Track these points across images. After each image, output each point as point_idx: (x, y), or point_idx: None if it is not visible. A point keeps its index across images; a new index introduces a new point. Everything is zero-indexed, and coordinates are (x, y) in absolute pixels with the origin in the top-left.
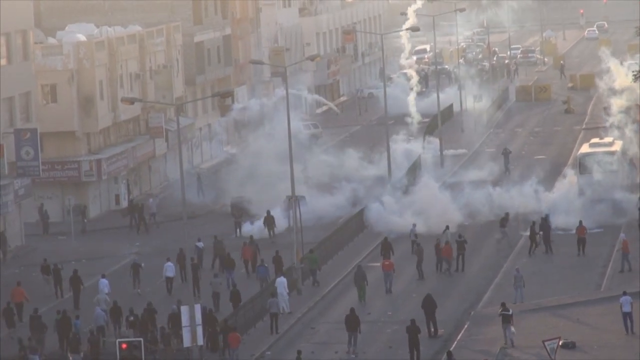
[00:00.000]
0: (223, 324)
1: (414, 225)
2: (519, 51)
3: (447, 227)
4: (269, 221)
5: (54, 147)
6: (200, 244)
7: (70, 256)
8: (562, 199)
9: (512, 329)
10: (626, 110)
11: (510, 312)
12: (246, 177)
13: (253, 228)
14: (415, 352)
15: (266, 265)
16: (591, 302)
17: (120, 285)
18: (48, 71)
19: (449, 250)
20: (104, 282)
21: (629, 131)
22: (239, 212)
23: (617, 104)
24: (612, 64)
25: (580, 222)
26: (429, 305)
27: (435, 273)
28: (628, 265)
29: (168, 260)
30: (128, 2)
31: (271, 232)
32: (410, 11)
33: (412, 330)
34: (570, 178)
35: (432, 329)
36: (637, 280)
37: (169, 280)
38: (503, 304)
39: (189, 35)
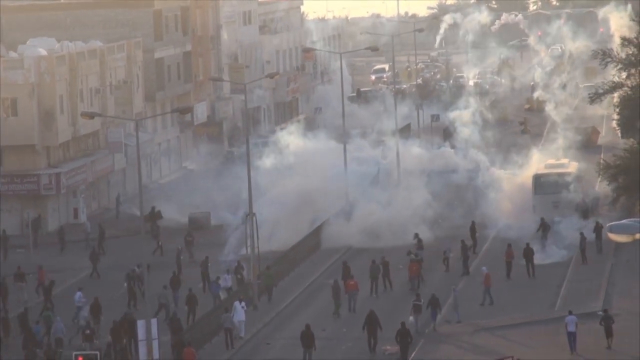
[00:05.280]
0: (177, 339)
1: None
2: (477, 73)
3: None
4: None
5: (13, 160)
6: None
7: (28, 269)
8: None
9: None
10: (583, 131)
11: (421, 302)
12: (204, 192)
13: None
14: (404, 353)
15: (220, 282)
16: (543, 321)
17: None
18: (9, 85)
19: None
20: (78, 295)
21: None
22: (197, 227)
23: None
24: None
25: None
26: (371, 322)
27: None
28: (490, 299)
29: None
30: (89, 17)
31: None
32: None
33: (402, 334)
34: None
35: (373, 344)
36: (591, 301)
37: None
38: (417, 295)
39: (150, 51)
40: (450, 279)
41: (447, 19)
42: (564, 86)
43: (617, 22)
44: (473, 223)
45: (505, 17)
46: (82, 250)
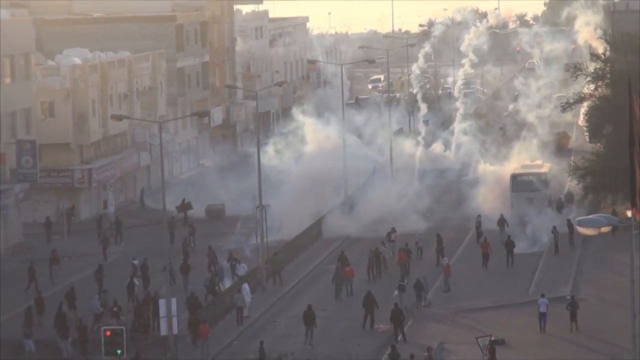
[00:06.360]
0: (193, 317)
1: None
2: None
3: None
4: None
5: (50, 157)
6: (136, 262)
7: (63, 253)
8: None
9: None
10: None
11: (405, 283)
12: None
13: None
14: (399, 331)
15: (221, 267)
16: (518, 305)
17: (109, 280)
18: (47, 90)
19: (403, 257)
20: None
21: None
22: (213, 217)
23: None
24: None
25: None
26: (368, 302)
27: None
28: (447, 286)
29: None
30: (119, 30)
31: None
32: None
33: (395, 313)
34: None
35: (370, 322)
36: (560, 287)
37: None
38: (402, 276)
39: (172, 61)
40: (430, 267)
41: (442, 22)
42: (539, 95)
43: (584, 18)
44: (479, 217)
45: (491, 14)
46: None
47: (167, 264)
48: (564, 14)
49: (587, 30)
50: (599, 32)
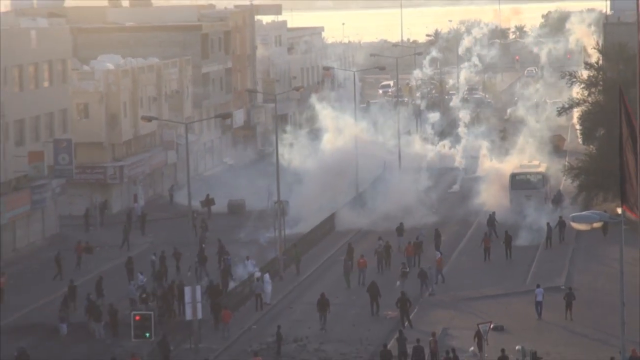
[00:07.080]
0: (214, 302)
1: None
2: (466, 89)
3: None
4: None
5: (85, 154)
6: (154, 257)
7: (95, 243)
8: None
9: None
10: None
11: (407, 270)
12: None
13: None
14: (406, 318)
15: (229, 256)
16: (517, 293)
17: (137, 269)
18: (82, 93)
19: (410, 250)
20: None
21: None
22: (234, 212)
23: None
24: None
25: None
26: (372, 291)
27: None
28: (442, 278)
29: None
30: (149, 39)
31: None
32: None
33: (402, 301)
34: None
35: (376, 310)
36: (555, 277)
37: None
38: (403, 264)
39: (198, 67)
40: (433, 259)
41: (447, 32)
42: (536, 101)
43: (579, 17)
44: (493, 213)
45: (495, 14)
46: (134, 230)
47: (190, 261)
48: (556, 14)
49: (581, 28)
50: (593, 28)
